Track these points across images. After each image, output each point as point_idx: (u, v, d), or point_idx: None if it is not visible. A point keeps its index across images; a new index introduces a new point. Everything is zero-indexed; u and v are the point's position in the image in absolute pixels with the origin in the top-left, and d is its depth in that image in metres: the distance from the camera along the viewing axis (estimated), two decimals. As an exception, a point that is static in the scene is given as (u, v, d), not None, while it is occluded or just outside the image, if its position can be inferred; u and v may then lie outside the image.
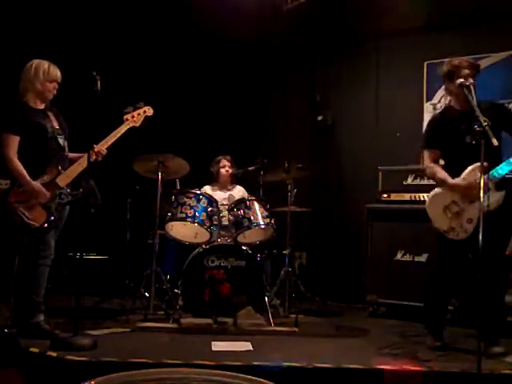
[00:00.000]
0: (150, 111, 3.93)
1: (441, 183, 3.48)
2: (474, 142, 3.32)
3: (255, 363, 2.92)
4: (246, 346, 3.40)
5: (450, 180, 3.41)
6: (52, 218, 3.44)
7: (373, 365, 2.97)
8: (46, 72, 3.54)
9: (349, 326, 4.30)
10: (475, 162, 3.28)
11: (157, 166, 4.31)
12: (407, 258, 4.56)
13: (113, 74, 3.73)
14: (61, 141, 3.59)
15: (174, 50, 6.10)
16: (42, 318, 3.48)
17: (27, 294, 3.47)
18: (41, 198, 3.40)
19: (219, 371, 1.57)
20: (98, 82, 3.40)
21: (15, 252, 3.61)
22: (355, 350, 3.43)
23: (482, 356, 2.62)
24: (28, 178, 3.40)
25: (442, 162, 3.60)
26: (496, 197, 3.24)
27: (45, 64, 3.57)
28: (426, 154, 3.58)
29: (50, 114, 3.62)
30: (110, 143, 3.66)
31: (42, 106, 3.60)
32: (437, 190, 3.58)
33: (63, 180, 3.50)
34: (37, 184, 3.41)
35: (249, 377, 1.54)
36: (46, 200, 3.41)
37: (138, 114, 3.85)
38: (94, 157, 3.53)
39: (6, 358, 2.31)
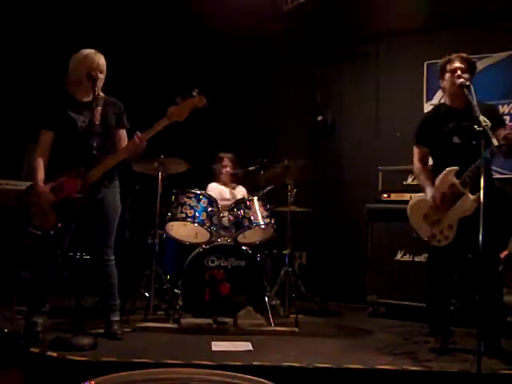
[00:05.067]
0: (201, 102, 3.38)
1: (423, 188, 3.51)
2: (460, 142, 3.35)
3: (255, 363, 2.92)
4: (246, 345, 3.40)
5: (429, 191, 3.41)
6: (60, 225, 3.29)
7: (373, 365, 2.97)
8: (87, 61, 3.32)
9: (349, 325, 4.31)
10: (460, 163, 3.29)
11: (157, 167, 4.30)
12: (407, 258, 4.56)
13: (113, 74, 3.69)
14: (94, 139, 3.27)
15: (174, 51, 6.10)
16: (39, 319, 3.39)
17: (30, 295, 3.46)
18: (43, 202, 3.28)
19: (219, 371, 1.57)
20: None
21: (19, 253, 3.58)
22: (355, 350, 3.43)
23: (482, 356, 2.62)
24: (37, 177, 3.30)
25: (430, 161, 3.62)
26: (470, 201, 3.25)
27: (85, 52, 3.37)
28: (415, 150, 3.59)
29: (96, 107, 3.36)
30: (148, 137, 3.36)
31: (87, 98, 3.38)
32: (416, 197, 3.59)
33: (82, 184, 3.29)
34: (41, 186, 3.29)
35: (249, 377, 1.53)
36: (49, 202, 3.28)
37: (186, 107, 3.36)
38: (135, 144, 3.30)
39: (6, 358, 2.31)
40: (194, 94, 3.38)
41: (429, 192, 3.41)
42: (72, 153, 3.32)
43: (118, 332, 3.49)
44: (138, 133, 3.34)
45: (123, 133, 3.52)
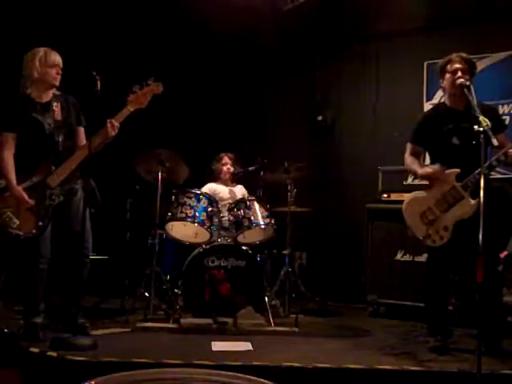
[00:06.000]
0: (158, 89, 3.57)
1: (413, 174, 3.52)
2: (459, 143, 3.35)
3: (255, 363, 2.92)
4: (246, 346, 3.40)
5: (420, 170, 3.44)
6: (41, 223, 3.31)
7: (373, 365, 2.97)
8: (43, 58, 3.36)
9: (349, 325, 4.31)
10: (459, 164, 3.29)
11: (157, 166, 4.30)
12: (407, 258, 4.56)
13: (112, 74, 3.69)
14: (58, 136, 3.41)
15: (174, 51, 6.10)
16: (39, 319, 3.40)
17: (24, 297, 3.48)
18: (22, 205, 3.28)
19: (219, 371, 1.57)
20: (98, 82, 3.33)
21: (7, 256, 3.58)
22: (355, 350, 3.43)
23: (482, 356, 2.61)
24: (12, 180, 3.28)
25: (427, 161, 3.63)
26: (470, 205, 3.25)
27: (40, 51, 3.39)
28: (408, 147, 3.61)
29: (55, 105, 3.43)
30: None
31: (46, 98, 3.44)
32: (410, 195, 3.59)
33: (54, 180, 3.36)
34: (17, 189, 3.28)
35: (249, 377, 1.53)
36: (28, 206, 3.28)
37: (144, 94, 3.52)
38: (107, 134, 3.37)
39: (6, 358, 2.31)
40: (150, 82, 3.57)
41: (419, 171, 3.43)
42: (39, 153, 3.37)
43: (86, 324, 3.49)
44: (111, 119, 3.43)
45: (82, 130, 3.57)
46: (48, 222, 3.37)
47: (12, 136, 3.35)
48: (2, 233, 3.28)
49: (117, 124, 3.43)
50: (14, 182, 3.30)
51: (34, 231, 3.30)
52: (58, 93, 3.52)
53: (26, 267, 3.44)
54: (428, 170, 3.44)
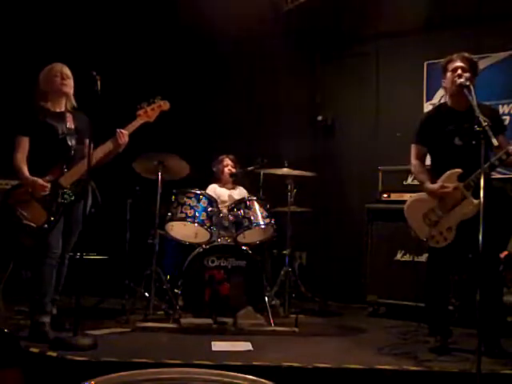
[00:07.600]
0: (165, 106, 3.81)
1: (420, 184, 3.50)
2: (461, 143, 3.34)
3: (255, 363, 2.92)
4: (246, 346, 3.40)
5: (428, 185, 3.42)
6: (52, 218, 3.42)
7: (373, 365, 2.97)
8: (47, 70, 3.57)
9: (349, 325, 4.31)
10: (461, 164, 3.28)
11: (157, 166, 4.30)
12: (407, 258, 4.56)
13: (113, 75, 3.71)
14: (71, 141, 3.57)
15: (174, 51, 6.10)
16: (46, 319, 3.43)
17: (31, 295, 3.49)
18: (37, 191, 3.39)
19: (219, 371, 1.57)
20: (98, 82, 3.38)
21: (14, 253, 3.63)
22: (355, 350, 3.43)
23: (482, 356, 2.61)
24: (26, 172, 3.42)
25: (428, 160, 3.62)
26: (473, 205, 3.24)
27: (46, 67, 3.60)
28: (413, 148, 3.58)
29: (68, 115, 3.61)
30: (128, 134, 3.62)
31: (59, 109, 3.61)
32: (413, 197, 3.58)
33: (66, 180, 3.48)
34: (30, 178, 3.40)
35: (249, 377, 1.53)
36: (44, 193, 3.39)
37: (152, 110, 3.75)
38: (118, 142, 3.53)
39: (6, 358, 2.31)
40: (156, 100, 3.80)
41: (428, 187, 3.41)
42: (52, 156, 3.50)
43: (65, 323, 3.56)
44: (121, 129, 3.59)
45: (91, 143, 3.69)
46: (59, 218, 3.49)
47: (25, 139, 3.50)
48: (16, 225, 3.39)
49: (126, 133, 3.59)
50: (27, 173, 3.43)
51: (45, 226, 3.42)
52: (70, 108, 3.67)
53: (35, 261, 3.49)
54: (436, 188, 3.37)
